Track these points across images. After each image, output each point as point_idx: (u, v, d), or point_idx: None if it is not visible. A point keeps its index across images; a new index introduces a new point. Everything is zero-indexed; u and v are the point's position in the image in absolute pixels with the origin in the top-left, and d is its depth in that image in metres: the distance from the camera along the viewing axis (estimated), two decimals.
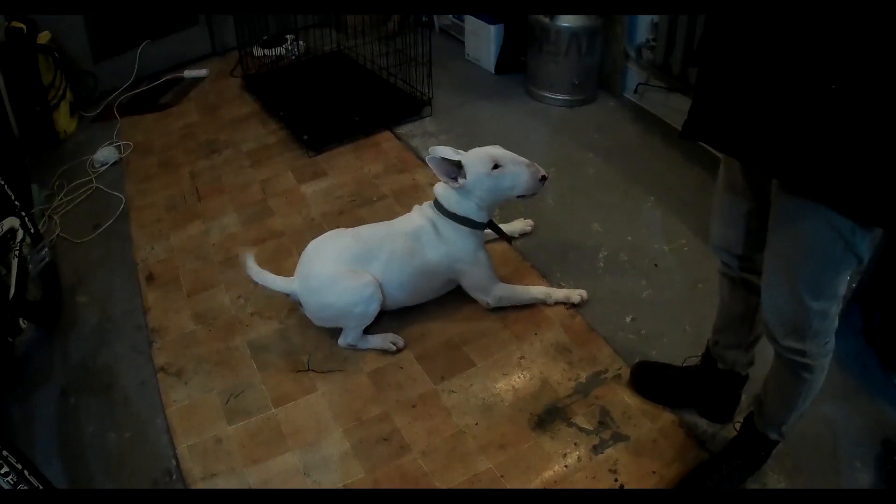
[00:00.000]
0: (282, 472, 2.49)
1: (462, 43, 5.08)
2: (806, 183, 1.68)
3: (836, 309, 1.98)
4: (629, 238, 3.48)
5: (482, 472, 2.49)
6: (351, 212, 3.60)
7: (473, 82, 4.63)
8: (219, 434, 2.60)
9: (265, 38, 4.77)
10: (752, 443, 2.41)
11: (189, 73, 5.03)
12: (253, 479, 2.47)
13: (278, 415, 2.68)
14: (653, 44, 4.11)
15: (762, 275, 2.01)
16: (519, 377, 2.82)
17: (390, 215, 3.18)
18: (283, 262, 3.28)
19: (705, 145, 2.32)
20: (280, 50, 4.77)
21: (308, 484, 2.43)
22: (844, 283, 1.92)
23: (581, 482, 2.47)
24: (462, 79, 4.67)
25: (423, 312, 3.06)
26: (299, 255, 2.94)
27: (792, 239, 1.85)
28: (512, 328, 3.01)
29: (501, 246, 3.37)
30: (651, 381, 2.77)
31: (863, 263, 1.87)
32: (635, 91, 4.40)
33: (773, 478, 2.43)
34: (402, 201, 3.63)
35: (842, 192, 1.64)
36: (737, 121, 1.76)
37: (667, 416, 2.68)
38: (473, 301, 3.06)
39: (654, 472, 2.52)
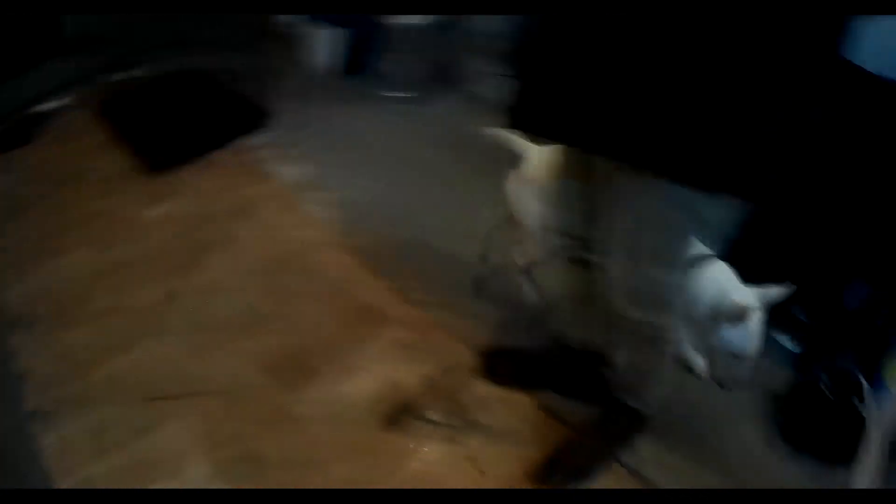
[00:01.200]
0: None
1: (308, 48, 4.95)
2: (644, 160, 1.72)
3: (686, 279, 2.03)
4: (468, 231, 3.44)
5: (338, 478, 2.48)
6: (192, 233, 3.58)
7: (317, 87, 4.59)
8: (90, 474, 2.55)
9: (121, 62, 4.66)
10: (616, 416, 2.47)
11: (44, 107, 4.86)
12: None
13: (141, 446, 2.62)
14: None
15: (608, 254, 2.04)
16: (366, 379, 2.82)
17: (229, 232, 3.35)
18: (132, 291, 3.24)
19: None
20: (133, 72, 4.67)
21: None
22: (695, 251, 1.97)
23: (441, 476, 2.50)
24: (305, 85, 4.63)
25: (266, 321, 3.07)
26: (146, 282, 2.98)
27: (636, 214, 1.88)
28: (354, 332, 3.02)
29: (338, 247, 3.40)
30: (503, 366, 2.80)
31: (716, 229, 1.93)
32: (480, 84, 4.34)
33: (649, 449, 2.53)
34: (242, 216, 3.65)
35: (678, 165, 1.68)
36: (567, 110, 1.80)
37: (523, 399, 2.71)
38: (320, 307, 3.12)
39: (515, 456, 2.55)
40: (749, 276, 2.24)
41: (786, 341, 3.02)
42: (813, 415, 2.66)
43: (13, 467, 2.60)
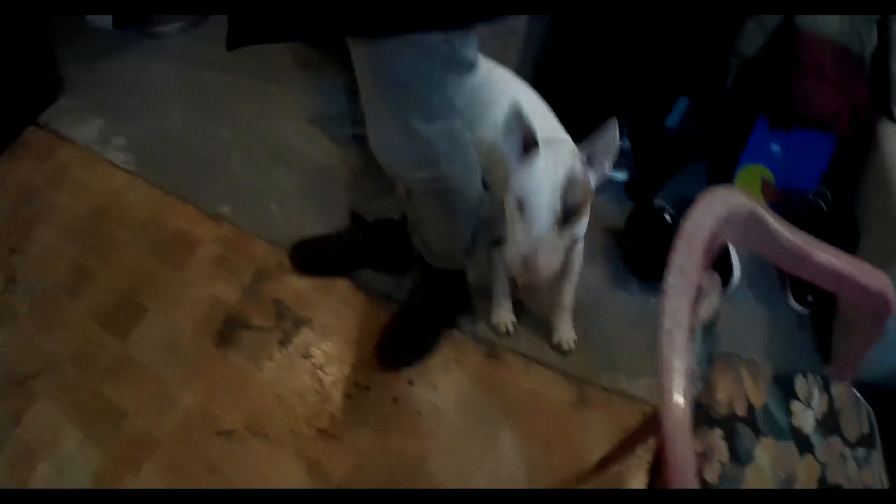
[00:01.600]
0: (44, 483, 2.53)
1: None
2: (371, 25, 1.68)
3: (460, 123, 2.00)
4: (260, 133, 3.58)
5: (191, 406, 2.60)
6: (16, 215, 3.60)
7: (96, 46, 4.53)
8: None
9: None
10: (433, 281, 2.53)
11: None
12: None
13: (21, 432, 2.71)
14: None
15: (367, 118, 2.00)
16: (190, 304, 2.90)
17: (46, 203, 3.41)
18: None
19: None
20: None
21: (66, 485, 2.50)
22: (459, 96, 1.94)
23: (285, 380, 2.63)
24: (85, 47, 4.55)
25: (93, 277, 3.15)
26: None
27: (385, 77, 1.83)
28: (169, 260, 3.09)
29: (142, 187, 3.49)
30: (312, 257, 2.88)
31: (474, 66, 1.89)
32: None
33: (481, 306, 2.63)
34: (54, 185, 3.67)
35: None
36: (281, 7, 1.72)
37: (341, 285, 2.82)
38: (137, 247, 3.22)
39: (347, 342, 2.68)
40: (564, 109, 2.33)
41: (614, 174, 3.12)
42: (655, 241, 2.73)
43: None
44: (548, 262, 1.78)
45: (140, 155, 3.64)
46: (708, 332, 1.59)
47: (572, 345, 2.55)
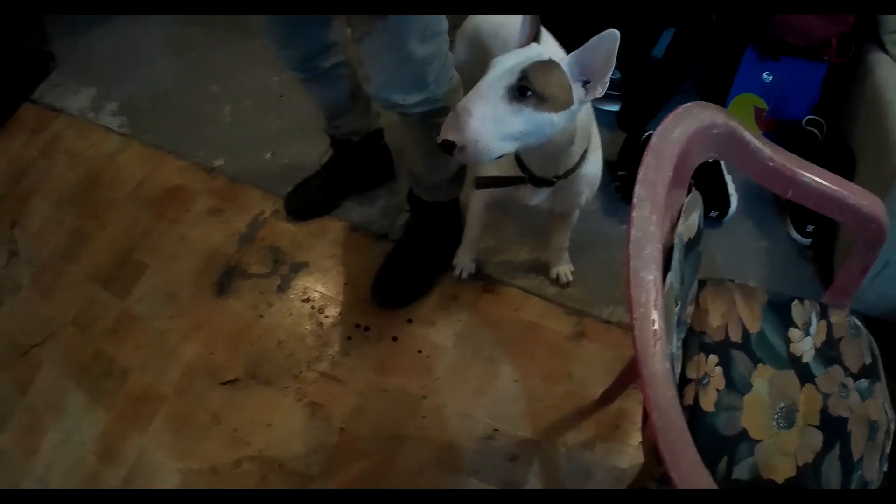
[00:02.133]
0: (53, 449, 2.54)
1: None
2: None
3: (446, 45, 2.01)
4: (248, 84, 3.57)
5: (192, 358, 2.60)
6: (14, 189, 3.60)
7: (82, 17, 4.53)
8: None
9: None
10: (425, 216, 2.53)
11: None
12: (38, 469, 2.52)
13: (29, 401, 2.71)
14: None
15: (364, 55, 2.00)
16: (187, 257, 2.90)
17: (42, 174, 3.45)
18: None
19: None
20: None
21: (74, 448, 2.51)
22: (444, 19, 1.94)
23: (285, 324, 2.62)
24: (71, 19, 4.55)
25: (91, 239, 3.16)
26: None
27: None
28: (165, 216, 3.09)
29: (135, 148, 3.49)
30: (303, 199, 2.87)
31: None
32: None
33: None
34: (49, 156, 3.66)
35: None
36: None
37: (337, 227, 2.82)
38: (132, 206, 3.23)
39: (345, 284, 2.67)
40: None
41: (602, 104, 3.12)
42: None
43: None
44: (479, 128, 1.52)
45: (132, 117, 3.63)
46: (690, 251, 1.54)
47: (570, 276, 2.52)
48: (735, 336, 1.59)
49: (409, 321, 2.59)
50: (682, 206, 1.46)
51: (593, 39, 1.47)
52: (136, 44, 4.14)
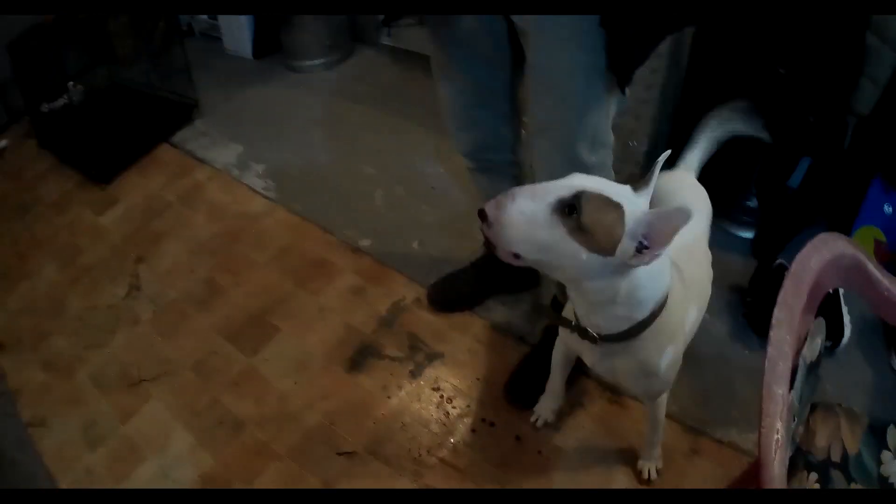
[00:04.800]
0: (146, 481, 2.54)
1: (221, 41, 5.08)
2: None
3: (610, 159, 2.05)
4: (402, 171, 3.64)
5: (314, 426, 2.60)
6: (145, 227, 3.65)
7: (235, 73, 4.69)
8: (87, 465, 2.65)
9: (48, 93, 4.70)
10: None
11: None
12: None
13: (128, 430, 2.73)
14: None
15: (534, 155, 2.05)
16: (324, 329, 2.92)
17: (179, 219, 3.44)
18: (101, 290, 3.38)
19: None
20: (64, 100, 4.72)
21: (169, 485, 2.51)
22: (611, 133, 1.98)
23: (412, 409, 2.61)
24: (224, 73, 4.72)
25: (223, 292, 3.21)
26: (113, 279, 3.24)
27: (558, 96, 1.87)
28: (306, 286, 3.12)
29: (281, 214, 3.53)
30: (448, 292, 2.90)
31: (626, 101, 1.94)
32: (388, 34, 4.44)
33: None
34: (188, 203, 3.73)
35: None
36: None
37: (478, 323, 2.82)
38: (273, 270, 3.30)
39: (477, 379, 2.67)
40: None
41: (738, 230, 3.17)
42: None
43: (22, 475, 2.70)
44: (511, 216, 1.49)
45: (280, 183, 3.72)
46: (811, 373, 1.59)
47: (655, 475, 2.45)
48: (836, 456, 1.62)
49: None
50: (809, 330, 1.50)
51: (669, 210, 1.39)
52: (289, 111, 4.28)
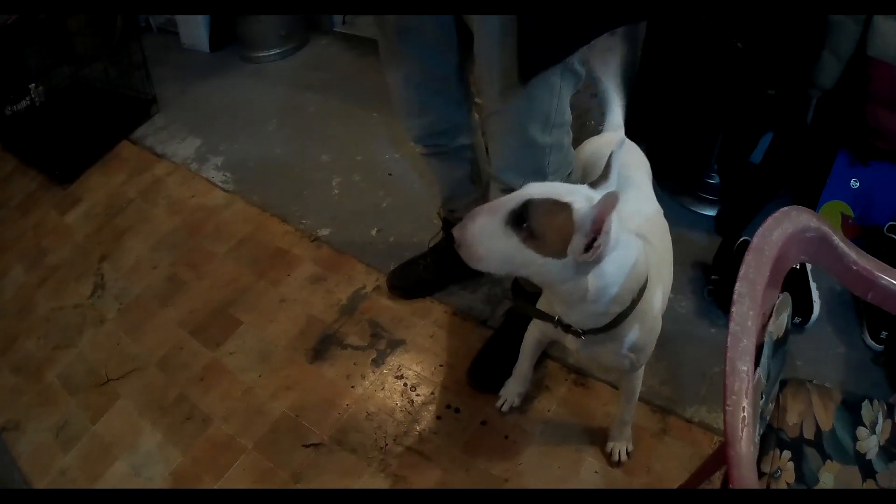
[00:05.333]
0: (118, 480, 2.56)
1: (178, 35, 5.06)
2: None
3: (568, 138, 2.06)
4: (359, 158, 3.67)
5: (279, 417, 2.62)
6: (108, 224, 3.66)
7: (192, 67, 4.69)
8: (62, 466, 2.66)
9: (11, 95, 4.69)
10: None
11: None
12: None
13: (99, 430, 2.74)
14: None
15: (489, 138, 2.06)
16: (285, 320, 2.94)
17: (140, 215, 3.48)
18: (67, 290, 3.40)
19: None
20: (27, 101, 4.71)
21: (141, 483, 2.52)
22: (568, 111, 1.98)
23: (376, 398, 2.63)
24: (182, 67, 4.72)
25: (186, 287, 3.22)
26: (78, 279, 3.25)
27: (504, 83, 1.87)
28: (266, 277, 3.14)
29: (239, 206, 3.56)
30: (408, 278, 2.91)
31: (581, 79, 1.93)
32: (343, 22, 4.49)
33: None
34: (148, 199, 3.75)
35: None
36: None
37: (439, 308, 2.84)
38: (233, 262, 3.30)
39: (441, 365, 2.68)
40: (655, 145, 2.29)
41: (701, 208, 3.19)
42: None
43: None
44: (474, 234, 1.52)
45: (238, 175, 3.74)
46: (778, 349, 1.60)
47: (625, 457, 2.45)
48: (809, 433, 1.63)
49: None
50: (774, 305, 1.51)
51: (601, 198, 1.39)
52: (246, 102, 4.29)
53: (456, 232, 1.51)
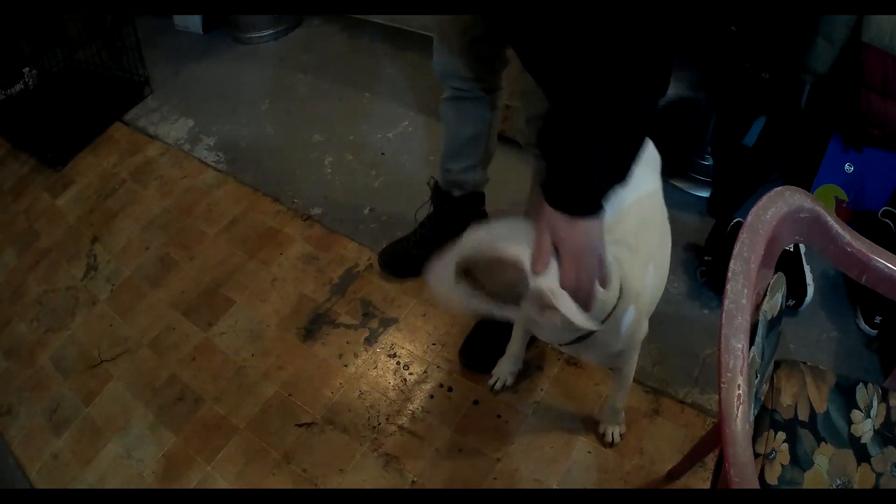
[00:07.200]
0: (111, 462, 2.56)
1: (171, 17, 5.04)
2: None
3: None
4: (351, 138, 3.66)
5: (271, 396, 2.62)
6: (100, 206, 3.65)
7: (185, 49, 4.67)
8: (54, 450, 2.66)
9: (4, 79, 4.68)
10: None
11: None
12: (91, 478, 2.54)
13: (91, 412, 2.74)
14: None
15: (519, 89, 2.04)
16: (277, 299, 2.94)
17: (132, 196, 3.50)
18: (59, 272, 3.40)
19: None
20: (20, 85, 4.70)
21: (133, 465, 2.53)
22: None
23: (369, 376, 2.64)
24: (174, 49, 4.70)
25: (177, 267, 3.22)
26: (70, 261, 3.26)
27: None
28: (257, 257, 3.14)
29: (231, 186, 3.56)
30: (399, 257, 2.89)
31: None
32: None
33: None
34: (140, 180, 3.74)
35: None
36: None
37: (426, 287, 2.72)
38: (225, 242, 3.30)
39: (433, 344, 2.69)
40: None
41: (694, 189, 3.18)
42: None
43: None
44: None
45: (230, 155, 3.73)
46: (772, 329, 1.59)
47: (618, 438, 2.44)
48: (803, 415, 1.63)
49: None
50: (769, 285, 1.51)
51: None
52: (238, 83, 4.28)
53: (428, 269, 1.46)
